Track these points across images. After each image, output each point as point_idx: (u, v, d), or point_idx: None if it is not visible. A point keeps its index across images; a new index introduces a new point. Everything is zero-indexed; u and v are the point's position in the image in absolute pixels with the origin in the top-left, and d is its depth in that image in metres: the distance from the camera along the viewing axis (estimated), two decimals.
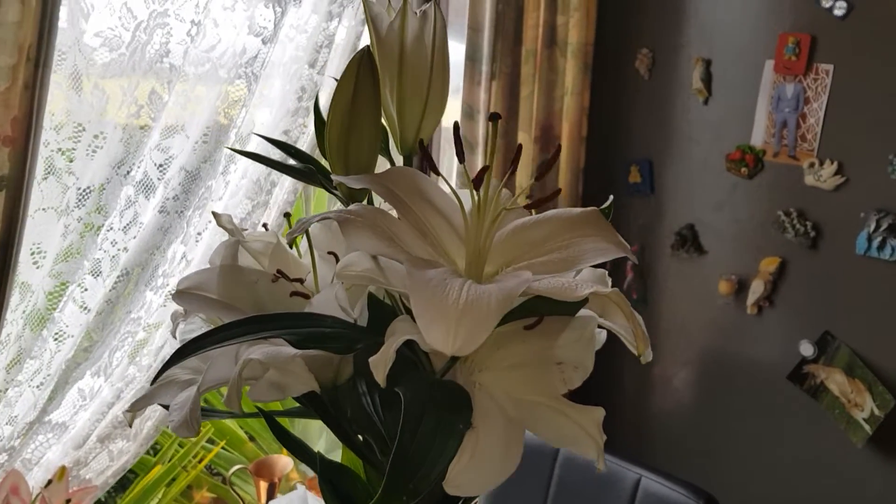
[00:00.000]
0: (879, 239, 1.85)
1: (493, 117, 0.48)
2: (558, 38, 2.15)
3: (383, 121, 0.62)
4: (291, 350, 0.57)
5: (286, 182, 1.62)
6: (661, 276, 2.29)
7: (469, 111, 2.09)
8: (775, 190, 2.04)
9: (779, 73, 1.98)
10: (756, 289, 2.06)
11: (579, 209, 0.55)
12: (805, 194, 1.98)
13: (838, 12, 1.87)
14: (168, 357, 0.50)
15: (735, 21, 2.07)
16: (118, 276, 1.40)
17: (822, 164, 1.93)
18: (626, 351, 0.59)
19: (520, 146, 0.53)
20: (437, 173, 0.51)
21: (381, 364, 0.47)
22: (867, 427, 1.90)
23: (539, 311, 0.55)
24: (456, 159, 0.51)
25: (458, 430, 0.47)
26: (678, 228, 2.22)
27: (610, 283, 0.59)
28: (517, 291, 0.42)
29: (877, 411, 1.89)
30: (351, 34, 1.67)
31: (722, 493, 1.56)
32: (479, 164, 2.08)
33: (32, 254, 1.31)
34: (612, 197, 0.62)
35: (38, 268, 1.31)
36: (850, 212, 1.91)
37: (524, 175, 2.07)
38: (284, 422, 0.75)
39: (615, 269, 2.32)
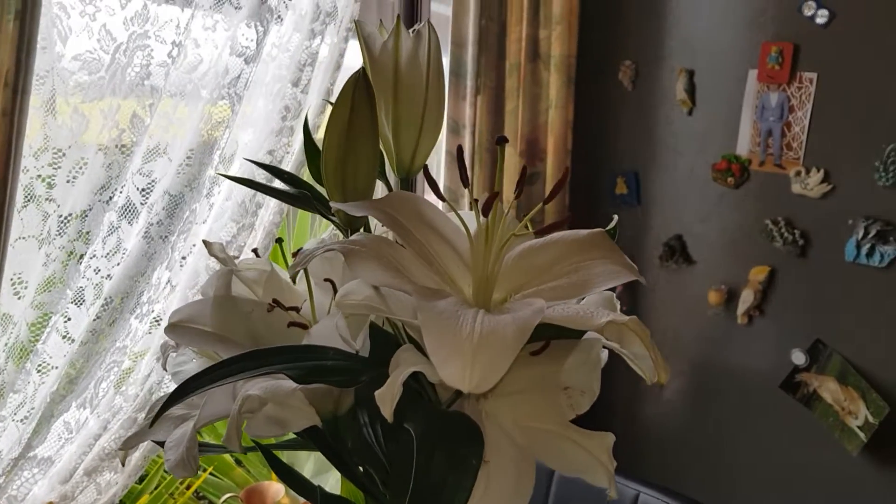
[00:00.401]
0: (868, 246, 1.84)
1: (500, 141, 0.47)
2: (541, 52, 2.15)
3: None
4: (291, 384, 0.55)
5: (271, 203, 1.60)
6: (649, 287, 2.28)
7: (454, 126, 2.08)
8: (762, 199, 2.04)
9: (762, 83, 1.98)
10: (746, 298, 2.06)
11: (585, 231, 0.53)
12: (792, 202, 1.98)
13: (820, 20, 1.88)
14: (167, 395, 0.48)
15: (717, 31, 2.08)
16: (102, 305, 1.36)
17: (808, 172, 1.93)
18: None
19: (524, 168, 0.51)
20: (443, 199, 0.49)
21: (387, 398, 0.45)
22: (862, 435, 1.90)
23: (544, 335, 0.53)
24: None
25: (472, 466, 0.45)
26: (666, 239, 2.21)
27: (618, 306, 0.57)
28: (534, 322, 0.40)
29: (871, 418, 1.88)
30: (334, 52, 1.64)
31: None
32: None
33: (13, 284, 1.27)
34: (616, 217, 0.60)
35: (19, 298, 1.28)
36: (838, 219, 1.91)
37: (510, 188, 2.05)
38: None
39: None
